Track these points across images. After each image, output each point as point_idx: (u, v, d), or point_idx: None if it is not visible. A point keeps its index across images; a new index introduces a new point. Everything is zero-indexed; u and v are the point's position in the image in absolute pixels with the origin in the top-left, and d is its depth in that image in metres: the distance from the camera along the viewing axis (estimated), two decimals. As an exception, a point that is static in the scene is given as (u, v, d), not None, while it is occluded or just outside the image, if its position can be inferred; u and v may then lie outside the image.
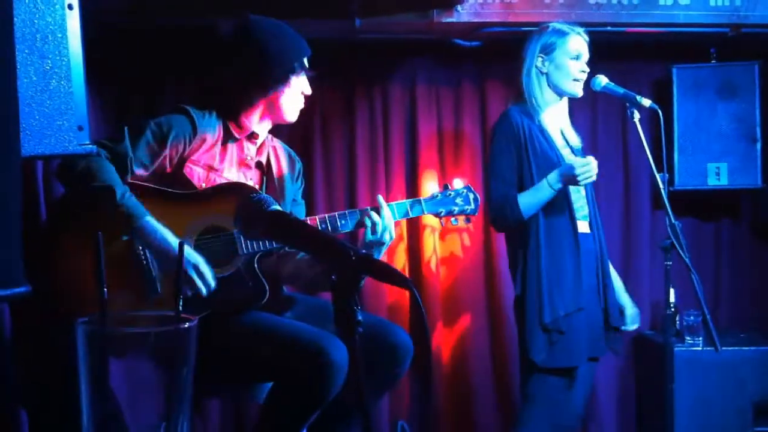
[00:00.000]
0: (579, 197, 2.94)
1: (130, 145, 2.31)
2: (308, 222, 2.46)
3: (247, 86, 2.50)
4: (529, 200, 2.82)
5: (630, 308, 3.08)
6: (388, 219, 2.46)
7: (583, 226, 2.92)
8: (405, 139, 3.83)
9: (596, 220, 2.98)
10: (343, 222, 2.46)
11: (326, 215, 2.46)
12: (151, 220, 2.24)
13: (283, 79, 2.49)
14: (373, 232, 2.44)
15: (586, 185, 2.90)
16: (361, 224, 2.46)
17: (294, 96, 2.54)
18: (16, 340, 2.38)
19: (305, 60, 2.54)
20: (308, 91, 2.58)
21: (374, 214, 2.45)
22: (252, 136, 2.55)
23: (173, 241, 2.24)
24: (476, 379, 3.83)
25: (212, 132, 2.46)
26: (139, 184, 2.34)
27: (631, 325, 3.09)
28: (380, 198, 2.51)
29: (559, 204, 2.86)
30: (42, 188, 2.64)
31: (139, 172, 2.33)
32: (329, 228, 2.45)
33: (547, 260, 2.83)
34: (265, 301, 2.38)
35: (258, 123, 2.55)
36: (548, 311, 2.80)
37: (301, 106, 2.59)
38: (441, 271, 3.83)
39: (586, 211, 2.95)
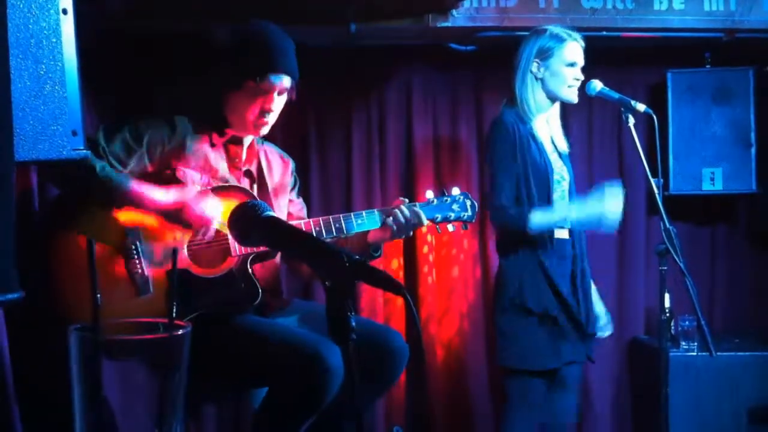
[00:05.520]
0: (562, 203, 2.94)
1: (105, 137, 2.34)
2: (311, 224, 2.47)
3: (219, 84, 2.49)
4: (541, 220, 2.83)
5: (604, 315, 3.10)
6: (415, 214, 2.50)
7: (561, 232, 2.93)
8: (401, 145, 3.83)
9: (578, 228, 2.97)
10: (359, 222, 2.47)
11: (330, 217, 2.46)
12: (136, 185, 2.28)
13: (240, 81, 2.40)
14: (399, 228, 2.47)
15: (571, 191, 2.94)
16: (386, 222, 2.48)
17: (251, 106, 2.41)
18: (11, 346, 2.37)
19: (279, 78, 2.40)
20: (270, 107, 2.42)
21: (405, 209, 2.48)
22: (237, 141, 2.54)
23: (166, 196, 2.28)
24: (472, 383, 3.82)
25: (196, 136, 2.45)
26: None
27: (605, 332, 3.12)
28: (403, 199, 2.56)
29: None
30: (36, 193, 2.63)
31: (117, 165, 2.34)
32: (342, 228, 2.46)
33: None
34: (257, 302, 2.38)
35: (236, 129, 2.52)
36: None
37: (264, 121, 2.45)
38: (436, 275, 3.83)
39: None
